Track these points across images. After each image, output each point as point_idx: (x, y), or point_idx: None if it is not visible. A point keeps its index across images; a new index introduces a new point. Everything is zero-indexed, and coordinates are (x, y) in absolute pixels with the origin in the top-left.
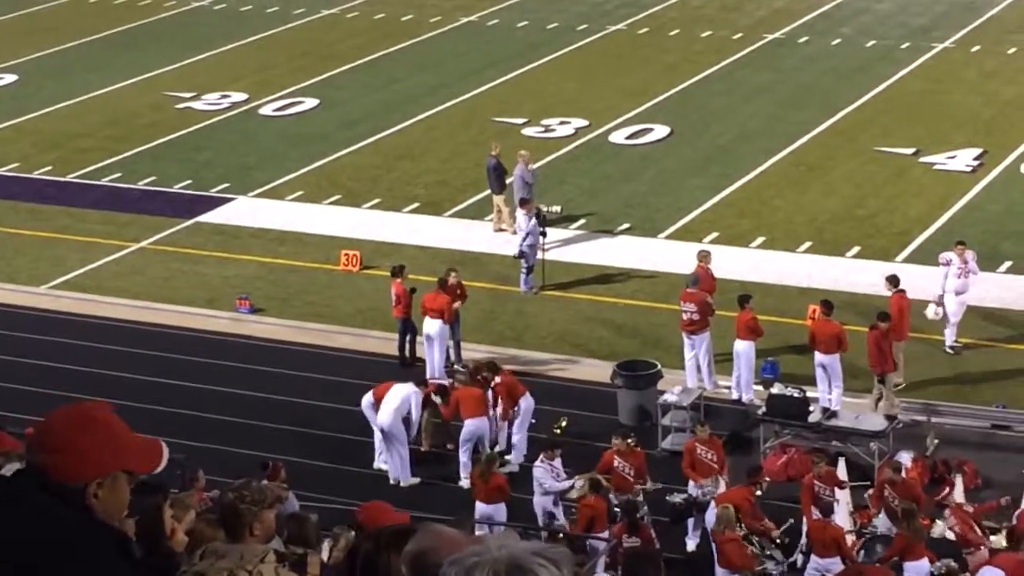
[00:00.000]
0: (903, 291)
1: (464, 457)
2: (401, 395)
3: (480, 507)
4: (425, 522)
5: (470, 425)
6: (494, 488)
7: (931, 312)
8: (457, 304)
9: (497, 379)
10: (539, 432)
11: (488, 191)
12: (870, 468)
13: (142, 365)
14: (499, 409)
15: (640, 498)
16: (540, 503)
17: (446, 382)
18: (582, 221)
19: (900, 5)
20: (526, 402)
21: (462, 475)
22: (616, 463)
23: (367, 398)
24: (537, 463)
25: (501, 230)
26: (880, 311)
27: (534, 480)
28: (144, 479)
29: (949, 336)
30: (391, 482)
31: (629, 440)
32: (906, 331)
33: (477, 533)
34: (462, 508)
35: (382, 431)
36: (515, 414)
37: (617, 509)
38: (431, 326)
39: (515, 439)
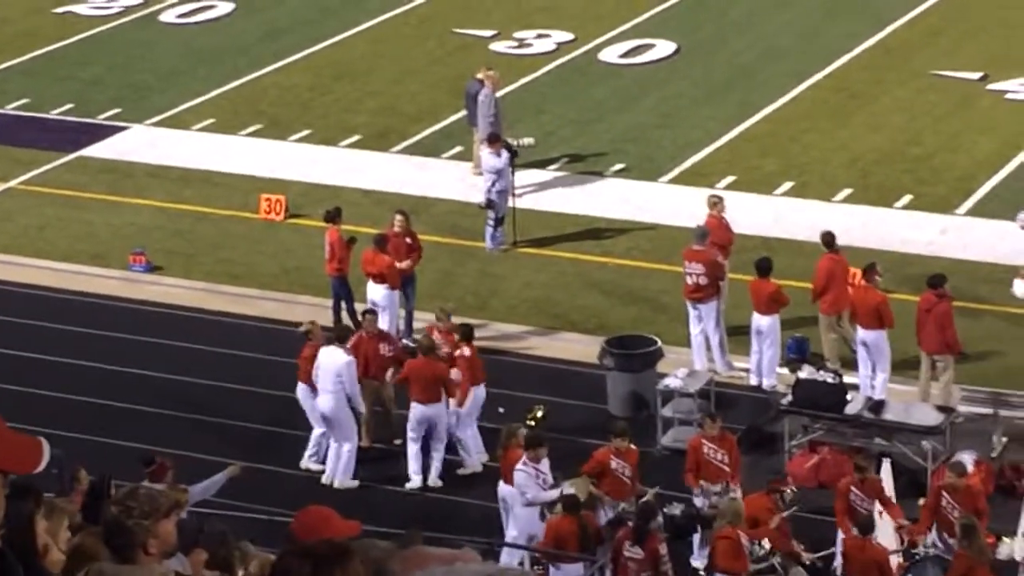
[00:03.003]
0: (837, 252)
1: (413, 448)
2: (333, 372)
3: (501, 488)
4: (369, 538)
5: (421, 409)
6: (511, 465)
7: (1019, 289)
8: (405, 264)
9: (467, 351)
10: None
11: (454, 121)
12: (922, 472)
13: (9, 336)
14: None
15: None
16: (522, 516)
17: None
18: (564, 160)
19: None
20: (479, 391)
21: (411, 471)
22: (614, 464)
23: (301, 389)
24: (518, 466)
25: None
26: (933, 274)
27: (515, 488)
28: (11, 480)
29: None
30: (324, 480)
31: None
32: (839, 304)
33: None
34: (410, 518)
35: (326, 420)
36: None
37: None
38: (375, 292)
39: (464, 435)
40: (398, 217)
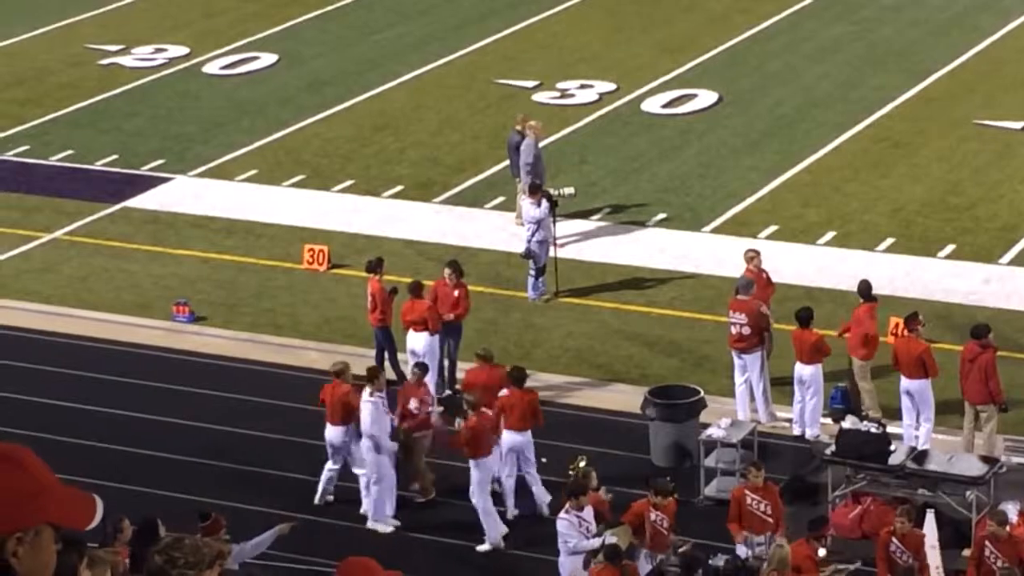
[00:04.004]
0: (874, 302)
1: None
2: (367, 422)
3: None
4: None
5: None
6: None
7: None
8: (450, 316)
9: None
10: (551, 474)
11: (500, 171)
12: (966, 523)
13: (53, 385)
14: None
15: (674, 557)
16: (566, 565)
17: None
18: (606, 210)
19: None
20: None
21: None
22: (652, 516)
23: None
24: (561, 515)
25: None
26: (977, 324)
27: (558, 537)
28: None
29: None
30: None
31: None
32: (872, 352)
33: None
34: (454, 569)
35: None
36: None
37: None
38: (415, 341)
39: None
40: (446, 271)
